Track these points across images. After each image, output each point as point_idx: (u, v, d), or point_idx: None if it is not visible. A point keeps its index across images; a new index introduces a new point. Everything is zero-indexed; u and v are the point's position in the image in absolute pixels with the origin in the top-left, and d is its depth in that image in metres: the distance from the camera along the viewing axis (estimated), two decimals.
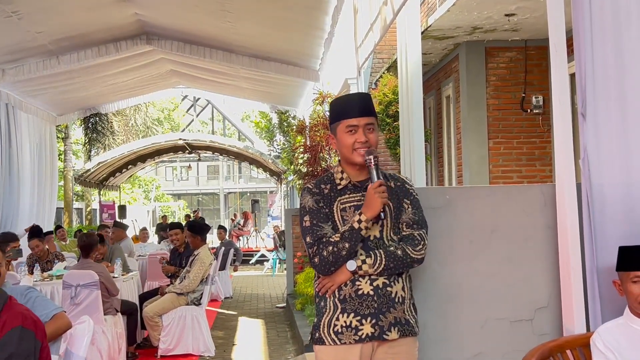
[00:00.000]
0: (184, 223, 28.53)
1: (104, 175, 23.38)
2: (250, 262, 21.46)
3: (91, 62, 11.77)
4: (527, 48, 9.06)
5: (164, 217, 29.38)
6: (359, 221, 2.84)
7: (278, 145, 24.00)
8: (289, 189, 26.95)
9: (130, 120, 28.65)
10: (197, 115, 51.77)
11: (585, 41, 3.13)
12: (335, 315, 2.90)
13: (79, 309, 6.66)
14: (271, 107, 18.23)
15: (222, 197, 53.84)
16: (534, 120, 9.07)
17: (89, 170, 21.48)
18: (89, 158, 25.16)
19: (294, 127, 17.45)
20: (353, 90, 12.09)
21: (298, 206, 18.19)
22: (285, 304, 11.32)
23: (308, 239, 2.91)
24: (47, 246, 9.10)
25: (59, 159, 20.54)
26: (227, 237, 15.68)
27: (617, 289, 2.96)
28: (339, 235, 2.85)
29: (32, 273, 7.75)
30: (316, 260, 2.87)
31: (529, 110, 9.03)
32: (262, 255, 21.20)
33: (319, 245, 2.86)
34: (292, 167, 16.89)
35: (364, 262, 2.86)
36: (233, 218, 30.12)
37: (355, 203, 2.95)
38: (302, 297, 9.47)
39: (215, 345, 7.85)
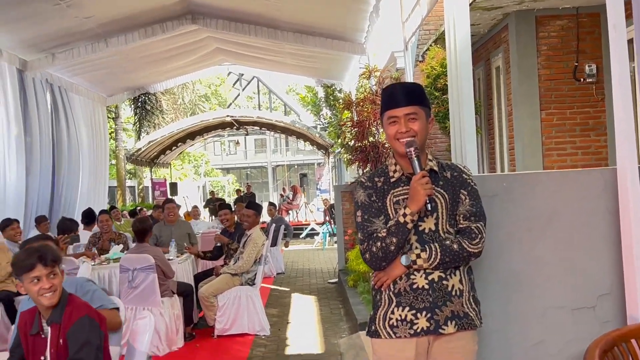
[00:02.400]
0: (234, 198, 28.59)
1: (155, 154, 23.68)
2: (301, 237, 21.59)
3: (138, 43, 11.88)
4: (579, 15, 8.78)
5: (212, 192, 29.66)
6: (404, 215, 2.80)
7: (325, 119, 23.94)
8: (336, 161, 26.94)
9: (179, 98, 28.92)
10: (243, 90, 51.88)
11: None
12: (390, 309, 2.89)
13: (137, 292, 6.80)
14: (317, 81, 18.21)
15: (269, 170, 54.13)
16: (587, 90, 8.81)
17: (140, 149, 21.78)
18: (139, 137, 25.53)
19: (340, 100, 17.39)
20: (400, 64, 11.96)
21: (346, 181, 18.09)
22: (337, 280, 11.36)
23: (360, 235, 2.90)
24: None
25: (110, 138, 20.86)
26: (276, 213, 15.77)
27: None
28: (386, 230, 2.82)
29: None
30: (367, 256, 2.87)
31: (582, 80, 8.77)
32: (312, 229, 21.29)
33: (369, 242, 2.85)
34: (340, 140, 16.85)
35: (418, 256, 2.83)
36: (282, 193, 30.28)
37: (408, 196, 2.89)
38: (354, 273, 9.49)
39: (270, 323, 7.94)
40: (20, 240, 8.92)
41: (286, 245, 14.01)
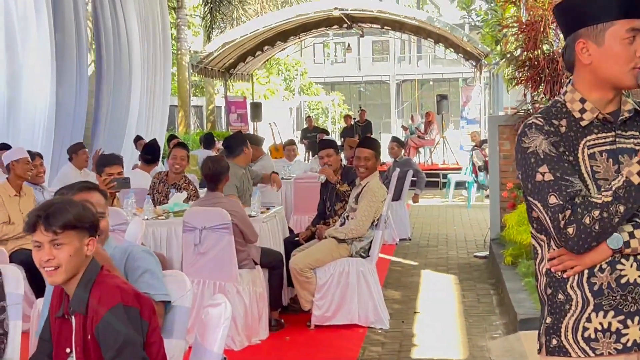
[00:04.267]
0: (342, 128, 28.84)
1: (231, 61, 24.08)
2: (441, 187, 21.57)
3: None
4: None
5: (309, 118, 29.77)
6: None
7: (478, 15, 23.53)
8: (492, 78, 26.49)
9: None
10: None
11: None
12: (586, 315, 2.82)
13: (205, 260, 7.00)
14: None
15: (393, 88, 54.22)
16: None
17: (210, 53, 22.19)
18: (209, 37, 25.92)
19: None
20: None
21: (507, 106, 17.79)
22: (488, 253, 11.30)
23: (553, 200, 2.77)
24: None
25: (171, 38, 21.29)
26: (403, 153, 15.72)
27: None
28: (609, 193, 2.72)
29: (141, 207, 8.16)
30: (570, 230, 2.74)
31: None
32: (450, 180, 21.13)
33: (575, 209, 2.72)
34: (499, 48, 16.54)
35: (631, 235, 2.74)
36: (410, 121, 30.17)
37: (608, 147, 2.82)
38: (514, 246, 9.40)
39: (389, 312, 8.01)
40: (43, 181, 9.32)
41: (415, 199, 13.95)
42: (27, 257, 7.36)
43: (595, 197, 2.72)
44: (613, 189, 2.71)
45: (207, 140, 14.62)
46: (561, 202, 2.75)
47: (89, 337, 3.41)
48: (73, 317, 3.49)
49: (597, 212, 2.70)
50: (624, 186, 2.70)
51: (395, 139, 14.88)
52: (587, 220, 2.71)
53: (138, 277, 4.04)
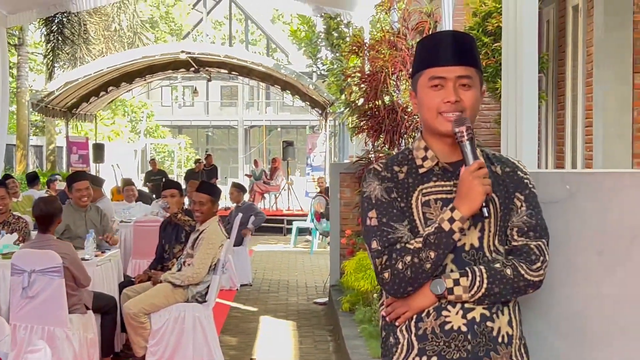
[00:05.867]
0: (186, 171, 28.61)
1: (74, 100, 23.68)
2: (285, 233, 21.64)
3: None
4: None
5: (152, 161, 29.45)
6: (451, 220, 2.78)
7: (324, 65, 23.89)
8: (337, 126, 26.92)
9: (113, 23, 28.79)
10: (208, 13, 51.78)
11: None
12: (411, 358, 2.89)
13: (34, 304, 6.82)
14: (315, 9, 18.11)
15: (241, 133, 54.25)
16: None
17: (52, 92, 21.73)
18: (51, 75, 25.43)
19: (347, 39, 17.33)
20: None
21: (351, 155, 18.10)
22: (327, 300, 11.41)
23: (374, 245, 2.85)
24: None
25: (9, 75, 20.79)
26: (245, 198, 15.68)
27: None
28: (421, 240, 2.80)
29: None
30: (386, 275, 2.82)
31: None
32: (295, 227, 21.18)
33: (390, 254, 2.81)
34: (344, 97, 16.83)
35: (456, 282, 2.82)
36: (255, 166, 30.19)
37: (444, 195, 2.91)
38: (352, 293, 9.53)
39: (225, 358, 7.97)
40: None
41: (244, 233, 13.79)
42: None
43: (410, 244, 2.81)
44: (424, 235, 2.80)
45: (30, 179, 14.35)
46: (380, 248, 2.83)
47: None
48: None
49: (409, 258, 2.78)
50: (435, 232, 2.79)
51: (235, 185, 14.89)
52: (399, 265, 2.79)
53: None
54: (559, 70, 10.79)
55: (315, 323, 10.30)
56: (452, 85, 2.86)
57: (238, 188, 14.53)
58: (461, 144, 2.83)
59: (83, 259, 7.48)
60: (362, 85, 10.62)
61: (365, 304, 9.15)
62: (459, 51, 2.90)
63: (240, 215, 12.84)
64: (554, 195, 3.25)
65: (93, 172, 23.62)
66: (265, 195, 26.12)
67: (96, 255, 8.12)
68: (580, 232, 3.27)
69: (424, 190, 2.91)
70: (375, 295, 8.98)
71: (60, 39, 25.53)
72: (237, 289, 12.72)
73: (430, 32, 10.22)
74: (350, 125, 12.16)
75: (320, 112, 24.97)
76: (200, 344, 7.70)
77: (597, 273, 3.28)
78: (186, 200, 12.63)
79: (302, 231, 19.39)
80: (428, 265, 2.79)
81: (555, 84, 10.91)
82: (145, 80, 25.42)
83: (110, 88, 24.21)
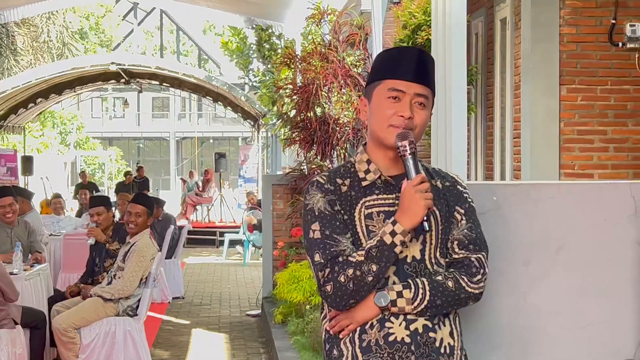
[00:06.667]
0: (116, 184, 28.23)
1: (2, 112, 23.34)
2: (217, 245, 21.55)
3: None
4: None
5: (83, 173, 29.17)
6: (393, 233, 2.80)
7: (256, 76, 23.85)
8: (270, 138, 26.90)
9: (42, 34, 28.46)
10: (139, 24, 51.37)
11: None
12: None
13: None
14: (247, 20, 18.16)
15: (172, 145, 53.87)
16: (627, 59, 9.01)
17: None
18: None
19: (279, 50, 17.34)
20: (365, 6, 11.98)
21: (284, 166, 18.11)
22: (259, 311, 11.39)
23: (317, 257, 2.86)
24: None
25: None
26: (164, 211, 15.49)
27: None
28: (363, 252, 2.81)
29: None
30: (328, 288, 2.83)
31: (620, 44, 8.96)
32: (227, 238, 21.10)
33: (333, 267, 2.82)
34: (276, 108, 16.82)
35: (399, 294, 2.84)
36: (188, 178, 30.09)
37: (386, 208, 2.93)
38: (284, 304, 9.53)
39: None
40: None
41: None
42: None
43: (352, 257, 2.82)
44: (366, 248, 2.82)
45: None
46: (322, 261, 2.83)
47: None
48: None
49: (351, 271, 2.79)
50: (377, 246, 2.80)
51: (155, 200, 14.75)
52: (342, 278, 2.80)
53: None
54: (487, 82, 10.92)
55: (248, 335, 10.28)
56: (409, 101, 2.89)
57: (157, 203, 14.45)
58: (404, 158, 2.86)
59: (11, 273, 7.37)
60: (294, 97, 10.64)
61: (298, 315, 9.16)
62: (423, 70, 2.93)
63: (171, 227, 12.79)
64: (482, 207, 3.29)
65: (22, 185, 23.32)
66: (197, 207, 26.01)
67: (25, 269, 8.02)
68: (508, 243, 3.32)
69: (367, 203, 2.93)
70: (307, 307, 9.01)
71: None
72: (169, 302, 12.63)
73: (361, 45, 10.30)
74: (282, 137, 12.18)
75: (252, 123, 25.00)
76: (132, 358, 7.64)
77: (525, 283, 3.33)
78: (117, 213, 12.54)
79: (234, 243, 19.33)
80: (370, 278, 2.80)
81: (484, 96, 11.03)
82: (75, 91, 25.13)
83: (39, 100, 23.88)
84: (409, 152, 2.84)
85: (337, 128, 10.14)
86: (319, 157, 10.52)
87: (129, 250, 7.80)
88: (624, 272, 3.33)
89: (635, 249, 3.33)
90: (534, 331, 3.33)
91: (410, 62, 2.93)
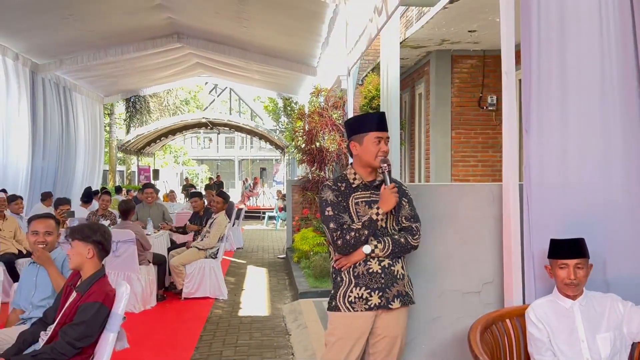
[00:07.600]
0: (205, 184, 27.82)
1: (142, 145, 23.26)
2: (261, 219, 21.43)
3: (132, 55, 11.66)
4: (485, 57, 8.97)
5: (187, 179, 29.17)
6: (377, 214, 2.85)
7: (282, 125, 23.85)
8: (290, 159, 26.86)
9: (164, 101, 28.37)
10: (218, 96, 51.17)
11: (530, 54, 3.11)
12: (350, 288, 2.91)
13: (119, 260, 6.68)
14: (277, 94, 18.18)
15: (236, 163, 53.66)
16: (488, 116, 9.02)
17: (129, 140, 21.34)
18: (129, 130, 24.96)
19: (295, 111, 17.34)
20: (344, 85, 11.96)
21: (298, 174, 18.00)
22: (285, 256, 11.35)
23: (332, 225, 2.87)
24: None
25: (105, 131, 20.34)
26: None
27: (548, 273, 2.97)
28: (360, 223, 2.85)
29: None
30: (339, 242, 2.85)
31: (485, 107, 8.97)
32: (267, 215, 21.07)
33: (342, 231, 2.84)
34: (293, 143, 16.82)
35: (376, 246, 2.87)
36: (244, 181, 30.04)
37: (365, 199, 2.95)
38: (299, 252, 9.50)
39: (227, 289, 7.88)
40: (22, 213, 8.66)
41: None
42: (7, 259, 6.82)
43: (353, 225, 2.85)
44: (362, 221, 2.85)
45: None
46: (335, 227, 2.86)
47: (75, 308, 3.18)
48: (75, 293, 3.28)
49: (353, 233, 2.83)
50: (368, 220, 2.84)
51: (219, 193, 14.68)
52: (347, 237, 2.84)
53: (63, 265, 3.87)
54: (411, 128, 10.91)
55: (278, 269, 10.21)
56: (384, 142, 2.93)
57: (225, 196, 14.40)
58: (384, 173, 2.90)
59: (147, 235, 7.35)
60: (304, 137, 10.63)
61: (306, 258, 9.14)
62: (385, 124, 2.97)
63: (235, 209, 12.74)
64: (414, 197, 3.28)
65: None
66: (250, 198, 25.96)
67: (154, 232, 8.00)
68: (423, 217, 3.27)
69: (355, 196, 2.96)
70: (312, 253, 8.98)
71: (134, 109, 25.09)
72: (234, 250, 12.57)
73: (341, 108, 10.28)
74: (297, 159, 12.15)
75: (280, 151, 24.92)
76: (214, 282, 7.58)
77: (432, 239, 3.30)
78: (205, 201, 12.51)
79: (271, 218, 19.28)
80: (363, 238, 2.85)
81: (409, 136, 11.03)
82: (182, 134, 25.08)
83: (162, 138, 23.83)
84: (387, 169, 2.89)
85: (328, 154, 10.11)
86: (317, 170, 10.49)
87: (212, 221, 7.78)
88: (486, 233, 3.32)
89: (493, 221, 3.32)
90: (436, 265, 3.32)
91: (381, 120, 2.96)
